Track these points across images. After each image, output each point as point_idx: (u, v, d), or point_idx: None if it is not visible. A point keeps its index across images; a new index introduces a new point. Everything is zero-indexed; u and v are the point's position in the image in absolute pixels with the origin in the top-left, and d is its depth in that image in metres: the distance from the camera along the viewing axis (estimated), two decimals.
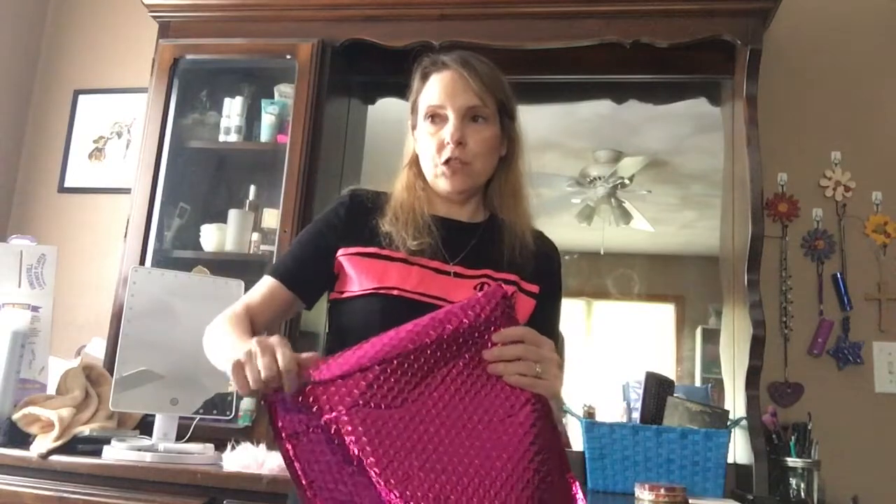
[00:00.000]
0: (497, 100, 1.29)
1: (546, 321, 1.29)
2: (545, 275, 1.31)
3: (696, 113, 2.43)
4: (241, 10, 2.31)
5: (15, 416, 1.83)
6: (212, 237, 2.29)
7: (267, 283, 1.28)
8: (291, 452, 0.93)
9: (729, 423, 1.90)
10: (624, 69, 2.34)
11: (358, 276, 1.24)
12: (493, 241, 1.29)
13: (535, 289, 1.29)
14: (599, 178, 2.42)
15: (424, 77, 1.31)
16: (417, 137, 1.32)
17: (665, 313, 2.41)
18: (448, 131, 1.25)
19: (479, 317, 0.99)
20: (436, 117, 1.27)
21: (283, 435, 0.93)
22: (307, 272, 1.28)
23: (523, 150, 1.35)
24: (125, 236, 2.23)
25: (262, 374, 0.93)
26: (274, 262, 1.30)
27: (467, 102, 1.26)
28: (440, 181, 1.27)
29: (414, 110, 1.34)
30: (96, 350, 2.18)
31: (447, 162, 1.25)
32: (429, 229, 1.24)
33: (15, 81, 2.77)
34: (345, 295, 1.24)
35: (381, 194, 1.31)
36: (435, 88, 1.28)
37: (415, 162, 1.33)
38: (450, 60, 1.29)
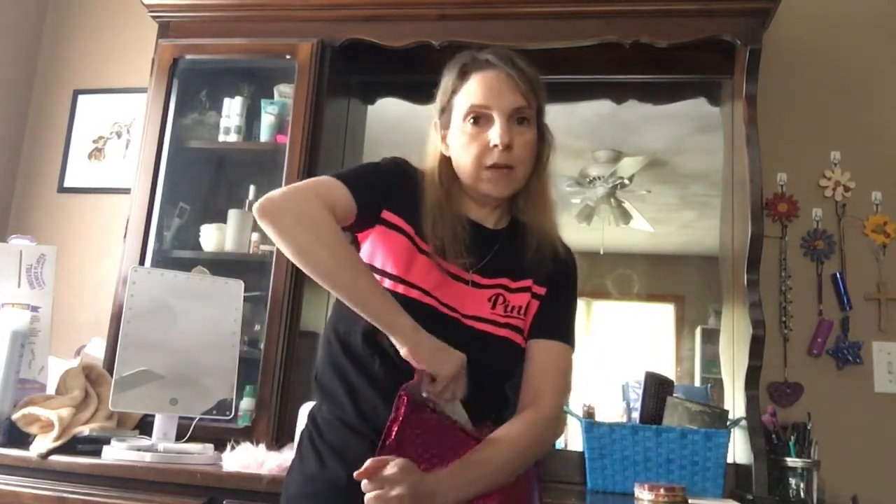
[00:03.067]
0: (538, 101, 1.26)
1: (548, 320, 1.27)
2: (554, 280, 1.29)
3: (696, 113, 2.42)
4: (240, 10, 2.31)
5: (14, 416, 1.83)
6: (211, 237, 2.29)
7: (349, 200, 1.18)
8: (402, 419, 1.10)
9: (728, 423, 1.90)
10: (624, 69, 2.34)
11: (386, 255, 1.21)
12: (513, 248, 1.27)
13: (542, 291, 1.28)
14: (599, 178, 2.42)
15: (464, 75, 1.25)
16: (453, 137, 1.26)
17: (665, 313, 2.41)
18: (496, 133, 1.20)
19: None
20: (479, 118, 1.22)
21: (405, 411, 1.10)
22: (370, 212, 1.22)
23: (554, 152, 1.32)
24: (125, 236, 2.22)
25: (456, 397, 1.13)
26: (345, 174, 1.22)
27: (515, 104, 1.22)
28: (483, 185, 1.23)
29: (447, 109, 1.28)
30: (96, 350, 2.18)
31: (493, 167, 1.21)
32: (460, 234, 1.21)
33: (15, 81, 2.77)
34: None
35: (420, 177, 1.27)
36: (479, 87, 1.23)
37: (443, 162, 1.28)
38: (495, 59, 1.24)
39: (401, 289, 1.18)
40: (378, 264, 1.21)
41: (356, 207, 1.19)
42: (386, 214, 1.22)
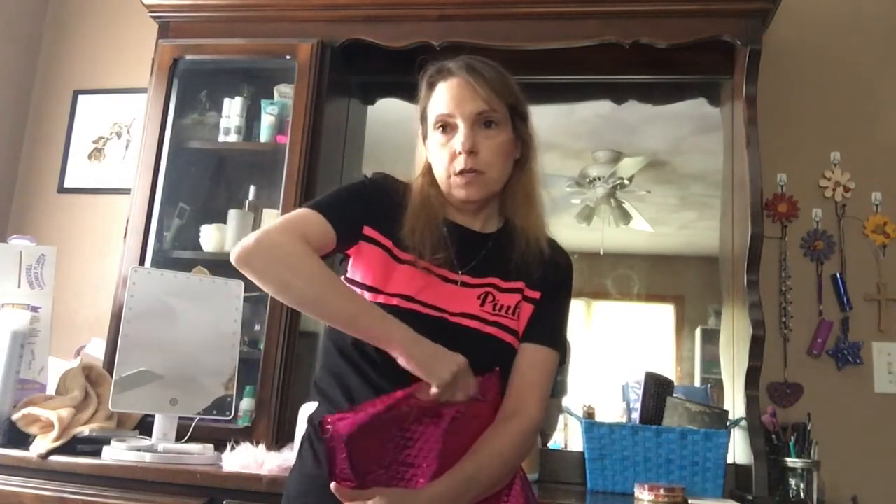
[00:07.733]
0: (507, 103, 1.27)
1: (541, 325, 1.28)
2: (549, 282, 1.30)
3: (696, 113, 2.42)
4: (240, 10, 2.31)
5: (14, 417, 1.84)
6: (211, 237, 2.29)
7: (323, 226, 1.19)
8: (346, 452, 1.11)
9: (728, 423, 1.90)
10: (623, 69, 2.34)
11: (365, 269, 1.23)
12: (504, 249, 1.28)
13: (536, 295, 1.29)
14: (599, 178, 2.42)
15: (431, 86, 1.30)
16: (429, 147, 1.31)
17: (665, 313, 2.41)
18: (459, 140, 1.23)
19: None
20: (446, 126, 1.26)
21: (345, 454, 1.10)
22: (350, 231, 1.24)
23: (537, 152, 1.33)
24: (125, 236, 2.22)
25: (465, 397, 1.13)
26: (319, 200, 1.25)
27: (476, 109, 1.24)
28: (455, 192, 1.26)
29: (423, 119, 1.32)
30: (96, 350, 2.18)
31: (461, 173, 1.23)
32: (443, 240, 1.24)
33: (15, 81, 2.77)
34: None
35: (405, 189, 1.29)
36: (442, 97, 1.26)
37: (428, 171, 1.31)
38: (455, 67, 1.27)
39: (381, 299, 1.20)
40: (358, 278, 1.24)
41: (333, 230, 1.21)
42: (366, 230, 1.25)
